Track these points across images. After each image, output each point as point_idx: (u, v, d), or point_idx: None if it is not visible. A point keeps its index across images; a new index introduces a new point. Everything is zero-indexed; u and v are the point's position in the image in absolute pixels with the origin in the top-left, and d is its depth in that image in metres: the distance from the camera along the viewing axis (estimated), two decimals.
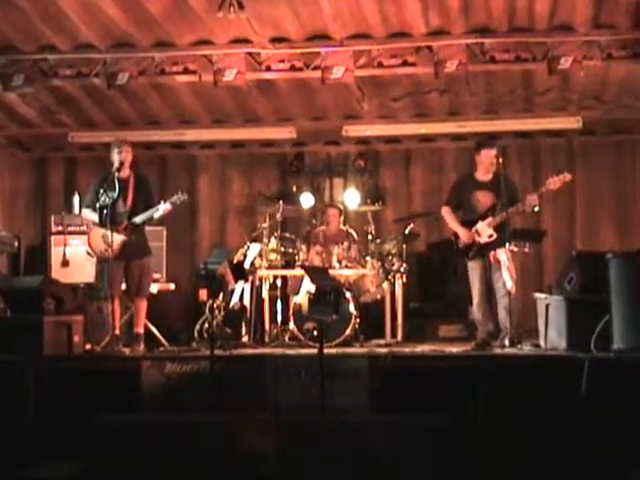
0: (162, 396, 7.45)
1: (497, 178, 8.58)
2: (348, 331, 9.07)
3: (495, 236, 8.51)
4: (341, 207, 10.77)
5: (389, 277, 9.69)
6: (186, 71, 9.26)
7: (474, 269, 8.74)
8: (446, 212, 8.94)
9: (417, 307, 10.79)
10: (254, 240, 10.08)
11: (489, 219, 8.56)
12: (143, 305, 8.85)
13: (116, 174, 8.61)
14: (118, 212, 8.61)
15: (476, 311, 8.79)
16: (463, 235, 8.68)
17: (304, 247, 9.99)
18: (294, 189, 11.78)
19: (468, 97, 10.42)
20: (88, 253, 8.86)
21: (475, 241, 8.63)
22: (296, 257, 9.96)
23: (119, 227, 8.53)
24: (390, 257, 9.75)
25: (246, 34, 8.91)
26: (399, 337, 9.54)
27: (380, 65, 9.03)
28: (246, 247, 9.82)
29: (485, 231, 8.57)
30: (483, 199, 8.66)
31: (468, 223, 8.71)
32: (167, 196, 8.72)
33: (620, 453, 6.44)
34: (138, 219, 8.61)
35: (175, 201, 8.63)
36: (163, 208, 8.60)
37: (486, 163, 8.68)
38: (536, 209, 8.60)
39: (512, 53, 8.83)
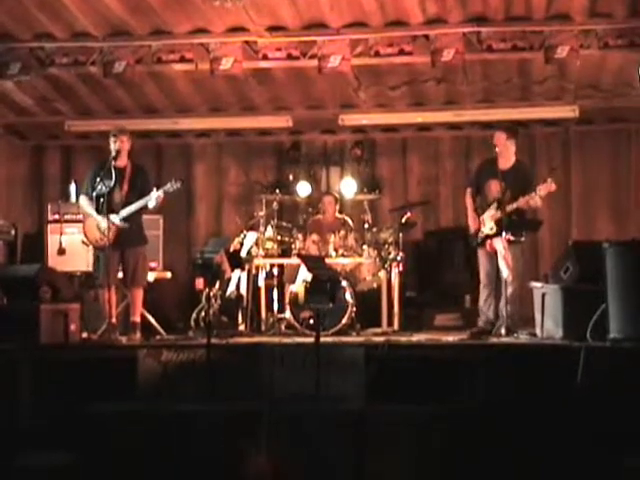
0: (158, 384, 7.46)
1: (514, 167, 8.64)
2: (344, 320, 9.08)
3: (495, 229, 8.52)
4: (337, 195, 10.78)
5: (385, 266, 9.68)
6: (183, 60, 9.23)
7: (481, 256, 8.83)
8: (467, 195, 9.00)
9: (413, 296, 10.80)
10: (251, 229, 10.06)
11: (492, 212, 8.57)
12: (139, 294, 8.86)
13: (113, 163, 8.61)
14: (115, 201, 8.60)
15: (480, 297, 8.87)
16: (470, 220, 8.79)
17: (300, 236, 9.99)
18: (291, 178, 11.75)
19: (465, 86, 10.41)
20: (83, 242, 8.89)
21: (480, 229, 8.68)
22: (292, 246, 9.96)
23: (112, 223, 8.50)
24: (387, 246, 9.73)
25: (243, 23, 8.90)
26: (395, 326, 9.51)
27: (377, 54, 9.00)
28: (243, 236, 9.80)
29: (488, 223, 8.59)
30: (495, 189, 8.62)
31: (481, 210, 8.76)
32: (162, 185, 8.71)
33: (615, 441, 6.47)
34: (130, 209, 8.59)
35: (168, 189, 8.62)
36: (155, 197, 8.58)
37: (503, 150, 8.67)
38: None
39: (509, 42, 8.81)
